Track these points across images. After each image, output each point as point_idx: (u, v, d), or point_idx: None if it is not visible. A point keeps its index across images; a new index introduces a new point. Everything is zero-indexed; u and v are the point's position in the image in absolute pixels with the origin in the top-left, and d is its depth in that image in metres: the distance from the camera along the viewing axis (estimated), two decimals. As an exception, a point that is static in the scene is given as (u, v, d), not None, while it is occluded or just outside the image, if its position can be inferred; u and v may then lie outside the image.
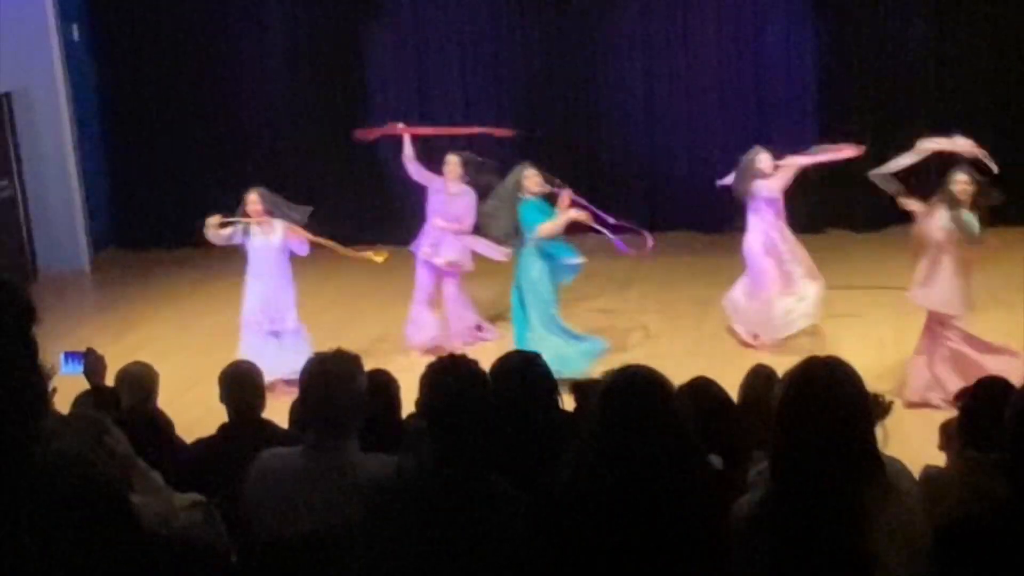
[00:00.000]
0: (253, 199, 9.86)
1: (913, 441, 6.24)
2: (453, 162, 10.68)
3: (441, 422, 3.70)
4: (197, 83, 15.40)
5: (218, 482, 4.65)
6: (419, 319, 10.84)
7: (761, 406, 5.13)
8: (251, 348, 9.46)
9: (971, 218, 8.62)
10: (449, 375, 3.78)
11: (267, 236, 9.86)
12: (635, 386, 3.40)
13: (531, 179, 9.77)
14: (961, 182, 8.62)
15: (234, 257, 10.31)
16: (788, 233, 10.34)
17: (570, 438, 3.79)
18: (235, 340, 9.86)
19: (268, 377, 6.39)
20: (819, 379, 3.34)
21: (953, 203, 8.63)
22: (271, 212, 9.87)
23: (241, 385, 5.83)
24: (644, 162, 14.68)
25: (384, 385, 5.52)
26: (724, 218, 10.01)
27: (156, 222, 15.34)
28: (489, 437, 3.74)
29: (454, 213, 10.65)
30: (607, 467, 3.33)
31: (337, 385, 4.10)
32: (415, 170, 10.86)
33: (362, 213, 14.55)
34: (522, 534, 3.52)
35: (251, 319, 9.92)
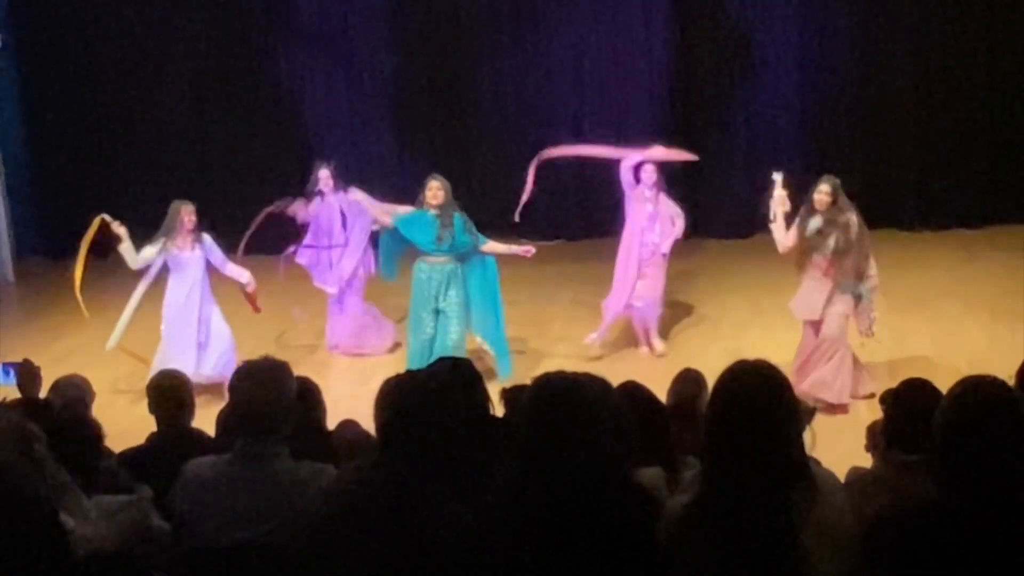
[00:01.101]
0: (188, 210, 9.82)
1: (840, 443, 6.33)
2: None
3: (402, 436, 3.63)
4: (123, 93, 15.21)
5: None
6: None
7: (690, 409, 5.18)
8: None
9: (814, 225, 8.76)
10: (414, 389, 3.72)
11: (187, 250, 9.84)
12: (561, 393, 3.39)
13: (431, 191, 9.61)
14: (820, 191, 8.75)
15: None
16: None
17: (502, 445, 3.76)
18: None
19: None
20: (748, 383, 3.37)
21: (810, 210, 8.78)
22: (200, 227, 9.83)
23: (168, 395, 5.83)
24: (575, 167, 14.68)
25: (307, 392, 5.48)
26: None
27: (81, 232, 15.02)
28: (443, 451, 3.67)
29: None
30: (536, 476, 3.32)
31: (266, 392, 4.07)
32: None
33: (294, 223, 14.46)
34: (467, 547, 3.48)
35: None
